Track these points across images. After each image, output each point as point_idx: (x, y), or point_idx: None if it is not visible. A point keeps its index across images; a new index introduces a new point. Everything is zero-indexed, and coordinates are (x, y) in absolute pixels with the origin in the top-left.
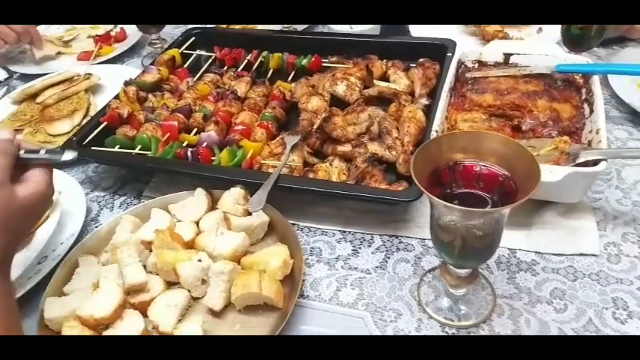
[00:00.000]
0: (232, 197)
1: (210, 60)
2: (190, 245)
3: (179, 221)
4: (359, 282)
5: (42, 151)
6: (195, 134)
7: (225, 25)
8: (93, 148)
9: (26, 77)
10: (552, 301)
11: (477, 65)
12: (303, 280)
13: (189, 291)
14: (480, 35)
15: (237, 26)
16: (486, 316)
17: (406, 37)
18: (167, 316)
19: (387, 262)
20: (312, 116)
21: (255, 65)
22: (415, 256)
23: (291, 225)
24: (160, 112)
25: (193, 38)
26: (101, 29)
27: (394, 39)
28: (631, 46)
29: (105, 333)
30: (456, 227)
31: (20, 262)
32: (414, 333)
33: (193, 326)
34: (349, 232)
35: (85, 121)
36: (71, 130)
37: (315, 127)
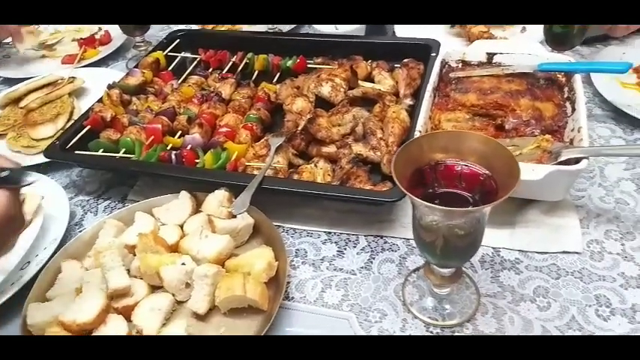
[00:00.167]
0: (217, 200)
1: (195, 62)
2: (174, 249)
3: (163, 224)
4: (344, 283)
5: (3, 173)
6: (179, 137)
7: (211, 27)
8: (76, 152)
9: (9, 81)
10: (536, 299)
11: (460, 65)
12: (288, 282)
13: (173, 295)
14: (466, 37)
15: (223, 27)
16: (470, 315)
17: (391, 38)
18: (151, 320)
19: (372, 262)
20: (297, 117)
21: (241, 67)
22: (400, 256)
23: (277, 227)
24: (144, 115)
25: (178, 40)
26: (86, 32)
27: (379, 40)
28: (614, 45)
29: None
30: (437, 227)
31: (2, 268)
32: (398, 333)
33: (178, 330)
34: (334, 233)
35: (68, 125)
36: (55, 135)
37: (299, 128)
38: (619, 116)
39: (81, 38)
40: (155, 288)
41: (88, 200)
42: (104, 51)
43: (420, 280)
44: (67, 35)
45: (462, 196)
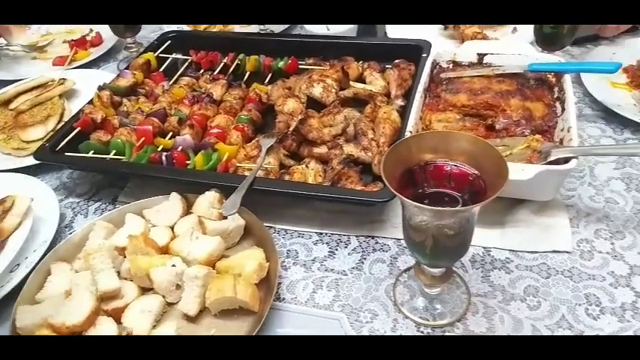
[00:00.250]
0: (207, 201)
1: (187, 63)
2: (165, 250)
3: (154, 226)
4: (335, 283)
5: None
6: (170, 138)
7: (203, 27)
8: (67, 153)
9: None
10: (526, 298)
11: (451, 65)
12: (279, 283)
13: (163, 296)
14: (459, 38)
15: (214, 28)
16: (461, 314)
17: (382, 39)
18: (141, 322)
19: (363, 262)
20: (289, 118)
21: (232, 68)
22: (391, 256)
23: (268, 228)
24: (134, 117)
25: (169, 42)
26: (77, 34)
27: (370, 40)
28: (604, 45)
29: None
30: (427, 227)
31: None
32: (389, 333)
33: (168, 332)
34: (326, 233)
35: (59, 127)
36: (45, 137)
37: (291, 129)
38: (609, 116)
39: (72, 40)
40: (145, 290)
41: (79, 202)
42: (95, 52)
43: (410, 280)
44: (57, 37)
45: (451, 196)
